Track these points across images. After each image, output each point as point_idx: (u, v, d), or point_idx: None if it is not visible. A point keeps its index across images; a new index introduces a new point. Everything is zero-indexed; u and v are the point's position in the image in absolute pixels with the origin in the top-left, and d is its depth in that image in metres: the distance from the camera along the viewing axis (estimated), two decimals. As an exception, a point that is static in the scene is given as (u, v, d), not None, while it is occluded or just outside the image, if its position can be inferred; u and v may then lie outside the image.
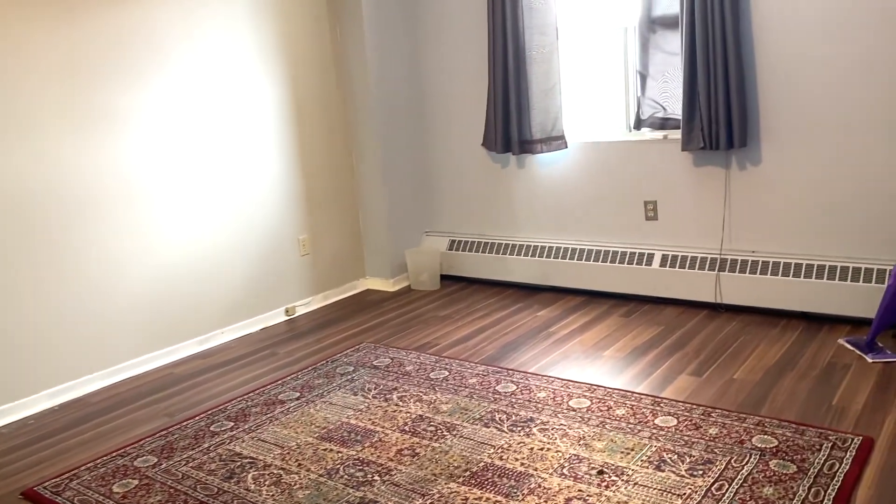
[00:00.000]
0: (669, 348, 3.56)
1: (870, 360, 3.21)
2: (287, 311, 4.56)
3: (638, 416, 2.85)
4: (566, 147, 4.44)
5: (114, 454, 2.93)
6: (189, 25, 3.97)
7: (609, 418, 2.85)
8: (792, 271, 3.78)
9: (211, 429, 3.08)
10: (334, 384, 3.43)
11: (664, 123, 4.18)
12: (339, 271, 4.91)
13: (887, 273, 3.52)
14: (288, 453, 2.80)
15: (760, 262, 3.88)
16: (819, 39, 3.57)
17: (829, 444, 2.52)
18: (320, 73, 4.70)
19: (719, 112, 3.78)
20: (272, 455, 2.80)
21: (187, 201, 4.02)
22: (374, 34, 4.70)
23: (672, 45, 4.04)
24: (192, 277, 4.06)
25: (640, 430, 2.74)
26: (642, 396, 3.03)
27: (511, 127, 4.54)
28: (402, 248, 5.03)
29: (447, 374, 3.43)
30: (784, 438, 2.58)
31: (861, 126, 3.54)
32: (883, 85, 3.44)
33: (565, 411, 2.94)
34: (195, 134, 4.04)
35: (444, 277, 5.08)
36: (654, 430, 2.73)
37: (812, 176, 3.72)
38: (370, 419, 3.03)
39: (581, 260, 4.47)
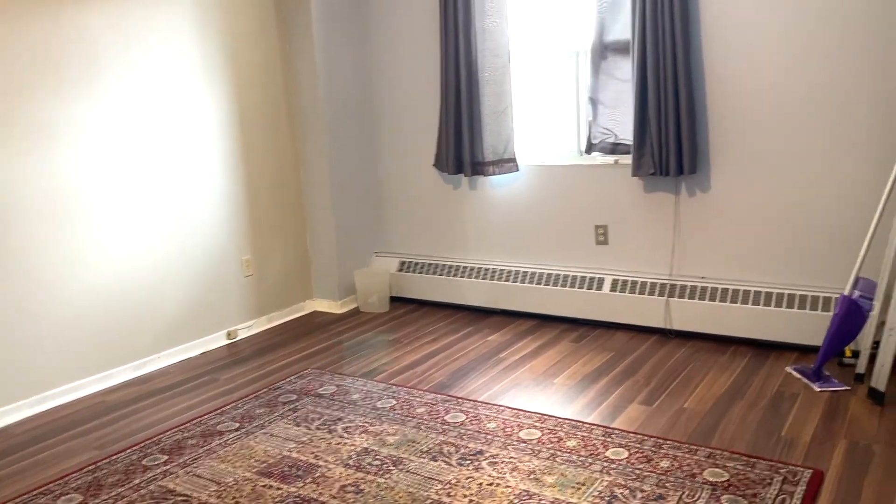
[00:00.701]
0: (620, 375, 3.52)
1: (817, 389, 3.22)
2: (229, 335, 4.39)
3: (589, 448, 2.79)
4: (518, 169, 4.40)
5: (35, 492, 2.73)
6: (129, 37, 3.81)
7: (560, 450, 2.79)
8: (741, 298, 3.79)
9: (143, 463, 2.90)
10: (276, 414, 3.29)
11: (615, 148, 4.18)
12: (285, 293, 4.76)
13: (833, 301, 3.55)
14: (224, 490, 2.65)
15: (709, 289, 3.89)
16: (768, 69, 3.60)
17: (780, 478, 2.49)
18: (267, 88, 4.57)
19: (669, 138, 3.79)
20: (207, 492, 2.65)
21: (124, 219, 3.84)
22: (325, 49, 4.60)
23: (623, 71, 4.04)
24: (128, 299, 3.87)
25: (591, 464, 2.67)
26: (593, 427, 2.97)
27: (463, 148, 4.48)
28: (351, 269, 4.91)
29: (395, 402, 3.33)
30: (735, 472, 2.55)
31: (808, 155, 3.58)
32: (829, 115, 3.49)
33: (515, 443, 2.87)
34: (134, 149, 3.87)
35: (393, 299, 4.97)
36: (606, 464, 2.67)
37: (760, 203, 3.74)
38: (313, 452, 2.90)
39: (532, 283, 4.42)
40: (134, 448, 3.04)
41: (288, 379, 3.70)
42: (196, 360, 4.14)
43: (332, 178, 4.72)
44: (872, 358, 3.23)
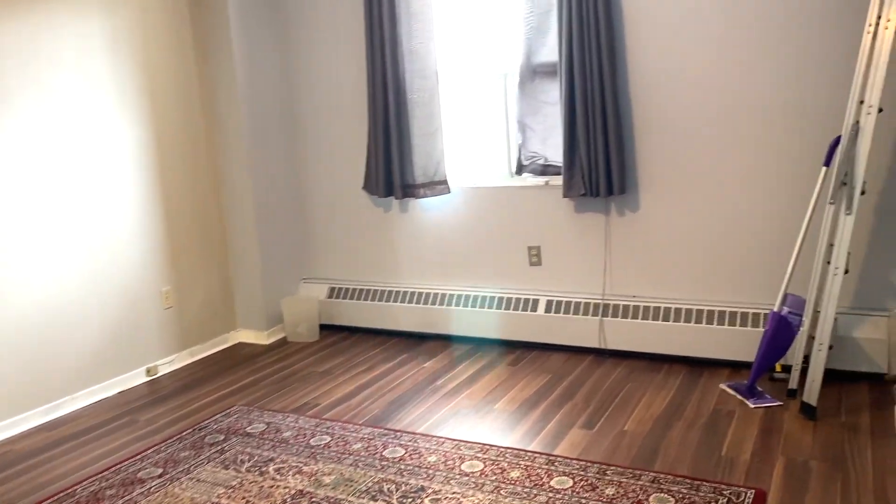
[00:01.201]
0: (559, 399, 3.48)
1: (752, 406, 3.26)
2: (148, 371, 4.15)
3: (533, 479, 2.72)
4: (449, 192, 4.34)
5: (-69, 560, 2.47)
6: (35, 57, 3.57)
7: (504, 482, 2.71)
8: (672, 316, 3.82)
9: (55, 519, 2.67)
10: (203, 456, 3.09)
11: (545, 170, 4.17)
12: (208, 324, 4.54)
13: (762, 317, 3.62)
14: (148, 546, 2.46)
15: (642, 307, 3.91)
16: (690, 89, 3.67)
17: (725, 500, 2.48)
18: (185, 109, 4.38)
19: (598, 159, 3.80)
20: (129, 549, 2.45)
21: (32, 252, 3.57)
22: (244, 68, 4.44)
23: (551, 94, 4.05)
24: (38, 336, 3.60)
25: (536, 495, 2.60)
26: (536, 455, 2.90)
27: (393, 170, 4.39)
28: (278, 297, 4.73)
29: (329, 439, 3.18)
30: (680, 496, 2.53)
31: (733, 174, 3.65)
32: (753, 133, 3.57)
33: (458, 476, 2.77)
34: (42, 176, 3.62)
35: (323, 327, 4.82)
36: (551, 494, 2.60)
37: (688, 222, 3.79)
38: (244, 497, 2.72)
39: (466, 306, 4.36)
40: (46, 502, 2.79)
41: (214, 417, 3.51)
42: (114, 399, 3.88)
43: (256, 201, 4.55)
44: (803, 372, 3.29)
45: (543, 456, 2.90)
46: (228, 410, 3.58)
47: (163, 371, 4.23)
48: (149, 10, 4.11)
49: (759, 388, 3.42)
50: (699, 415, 3.22)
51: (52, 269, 3.67)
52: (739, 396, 3.36)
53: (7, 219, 3.47)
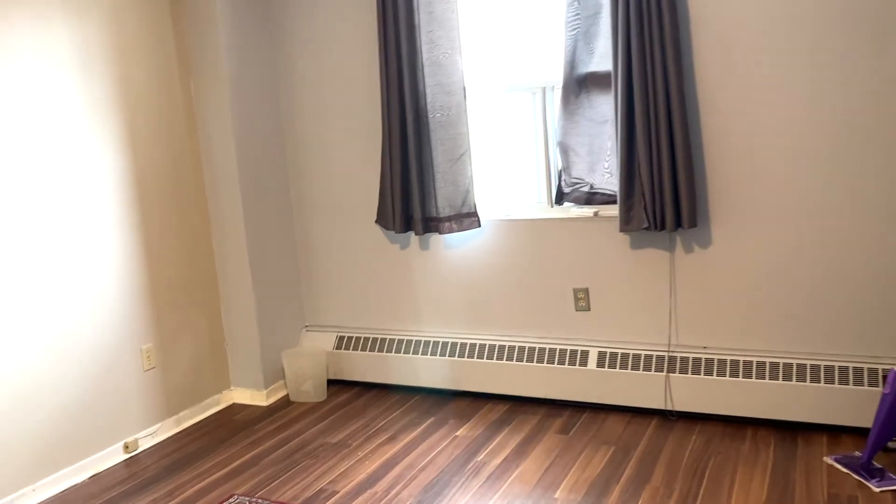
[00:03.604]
0: (633, 481, 2.85)
1: (877, 490, 2.65)
2: (127, 447, 3.46)
3: None
4: (479, 225, 3.72)
5: None
6: (-19, 74, 2.92)
7: None
8: (755, 371, 3.22)
9: None
10: (197, 577, 2.42)
11: (591, 198, 3.57)
12: (197, 384, 3.87)
13: (866, 373, 3.02)
14: None
15: (716, 361, 3.30)
16: (777, 104, 3.08)
17: None
18: (170, 136, 3.73)
19: (664, 187, 3.21)
20: None
21: (-22, 314, 2.90)
22: (239, 89, 3.81)
23: (600, 109, 3.45)
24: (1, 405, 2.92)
25: None
26: (627, 570, 2.27)
27: (412, 202, 3.77)
28: (277, 350, 4.07)
29: (357, 547, 2.53)
30: None
31: (829, 203, 3.06)
32: (851, 160, 2.99)
33: None
34: (4, 218, 2.95)
35: (331, 382, 4.15)
36: None
37: (771, 261, 3.20)
38: None
39: (500, 359, 3.72)
40: None
41: (209, 514, 2.84)
42: (85, 487, 3.19)
43: (251, 240, 3.90)
44: (938, 447, 2.69)
45: (636, 571, 2.26)
46: (227, 501, 2.91)
47: (144, 445, 3.54)
48: (124, 17, 3.47)
49: (878, 465, 2.81)
50: (813, 501, 2.60)
51: (8, 325, 2.99)
52: (855, 476, 2.75)
53: (-53, 273, 2.80)
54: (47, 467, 3.13)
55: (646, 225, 3.28)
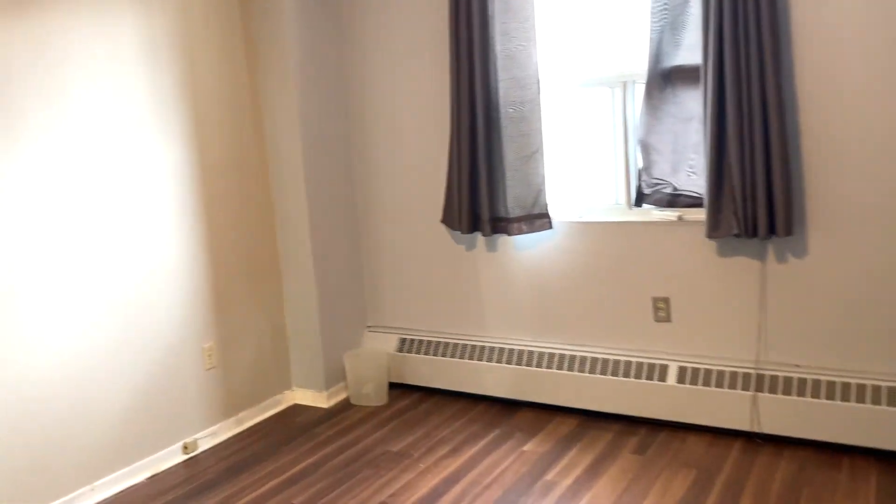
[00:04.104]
0: (717, 512, 2.62)
1: None
2: (185, 448, 3.40)
3: None
4: (551, 227, 3.51)
5: None
6: (56, 64, 2.86)
7: None
8: (854, 394, 2.93)
9: None
10: None
11: (673, 200, 3.32)
12: (258, 384, 3.79)
13: None
14: None
15: (810, 381, 3.02)
16: (886, 96, 2.78)
17: None
18: (235, 132, 3.64)
19: (757, 190, 2.94)
20: None
21: (45, 300, 2.85)
22: (306, 84, 3.70)
23: (686, 105, 3.21)
24: (48, 409, 2.87)
25: None
26: None
27: (480, 201, 3.59)
28: (339, 350, 3.96)
29: (419, 572, 2.38)
30: None
31: (945, 212, 2.75)
32: (975, 160, 2.68)
33: None
34: (60, 208, 2.90)
35: (392, 385, 4.02)
36: None
37: (874, 273, 2.90)
38: None
39: (571, 370, 3.52)
40: None
41: (265, 525, 2.73)
42: (143, 488, 3.14)
43: (315, 238, 3.79)
44: None
45: None
46: (283, 514, 2.81)
47: (203, 446, 3.47)
48: (192, 9, 3.39)
49: None
50: (926, 548, 2.33)
51: (69, 323, 2.94)
52: (975, 518, 2.46)
53: (15, 261, 2.76)
54: (105, 467, 3.08)
55: (736, 231, 3.03)
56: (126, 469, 3.16)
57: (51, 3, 2.86)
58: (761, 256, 3.11)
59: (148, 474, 3.23)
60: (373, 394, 3.84)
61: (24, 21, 2.77)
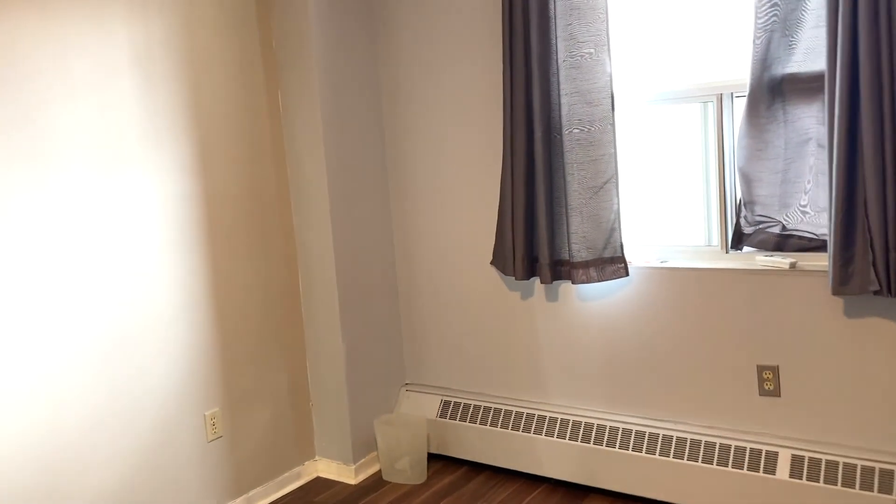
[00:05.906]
0: None
1: None
2: (182, 538, 2.83)
3: None
4: (627, 274, 2.86)
5: None
6: (28, 79, 2.36)
7: None
8: None
9: None
10: None
11: (782, 242, 2.66)
12: (274, 455, 3.21)
13: None
14: None
15: (978, 486, 2.29)
16: None
17: None
18: (249, 159, 3.10)
19: (905, 234, 2.25)
20: None
21: (9, 368, 2.33)
22: (332, 102, 3.15)
23: (802, 124, 2.55)
24: (12, 501, 2.35)
25: None
26: None
27: (538, 241, 2.97)
28: (370, 414, 3.36)
29: None
30: None
31: None
32: None
33: None
34: (27, 261, 2.39)
35: (432, 456, 3.39)
36: None
37: None
38: None
39: (652, 452, 2.84)
40: None
41: None
42: (123, 592, 2.58)
43: (341, 280, 3.21)
44: None
45: None
46: None
47: (204, 534, 2.91)
48: (199, 14, 2.88)
49: None
50: None
51: (41, 393, 2.41)
52: None
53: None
54: (80, 568, 2.53)
55: (875, 288, 2.33)
56: (106, 567, 2.60)
57: (20, 2, 2.37)
58: (906, 318, 2.40)
59: (133, 574, 2.67)
60: (409, 469, 3.22)
61: (-17, 28, 2.29)
